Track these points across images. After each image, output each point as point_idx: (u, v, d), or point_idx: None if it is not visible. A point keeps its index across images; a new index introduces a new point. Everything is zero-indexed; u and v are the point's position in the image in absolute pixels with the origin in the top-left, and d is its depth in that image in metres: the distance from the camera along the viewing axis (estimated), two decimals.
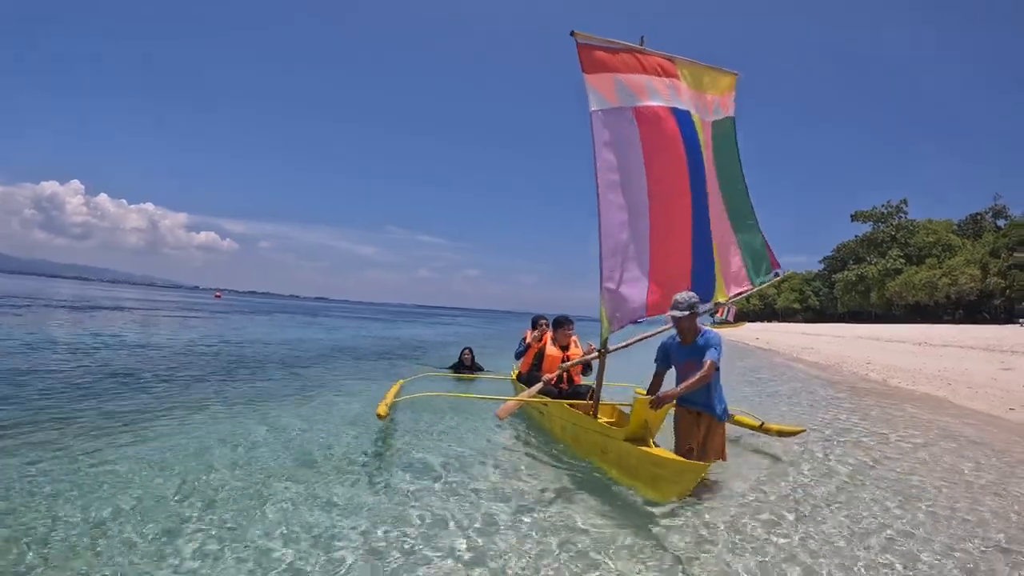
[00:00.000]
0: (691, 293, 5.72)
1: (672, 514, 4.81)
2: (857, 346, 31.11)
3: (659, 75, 6.42)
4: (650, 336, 6.77)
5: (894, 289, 79.55)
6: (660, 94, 6.33)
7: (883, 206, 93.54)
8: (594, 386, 6.85)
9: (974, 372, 16.36)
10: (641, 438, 5.36)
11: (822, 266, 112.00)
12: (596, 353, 6.50)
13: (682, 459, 4.88)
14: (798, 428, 6.81)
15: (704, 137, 6.99)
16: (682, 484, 4.68)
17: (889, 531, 4.58)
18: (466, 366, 13.80)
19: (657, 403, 5.30)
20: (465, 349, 14.21)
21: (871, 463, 6.75)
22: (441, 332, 43.01)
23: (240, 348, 18.58)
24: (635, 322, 6.40)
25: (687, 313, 5.59)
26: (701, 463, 4.67)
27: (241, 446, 6.29)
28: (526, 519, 4.59)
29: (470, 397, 9.25)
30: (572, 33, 5.78)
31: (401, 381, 10.95)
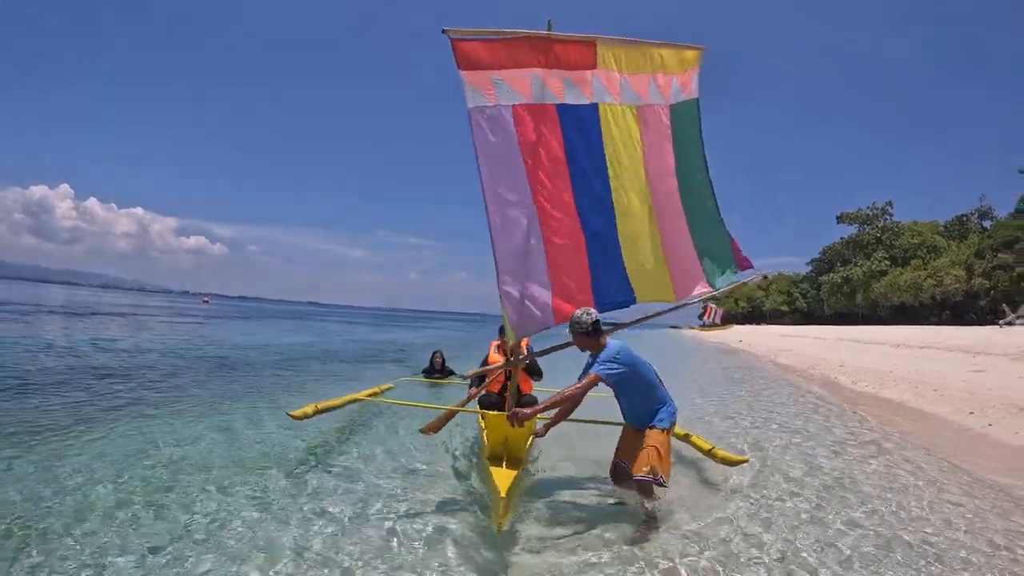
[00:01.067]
0: (589, 311, 5.35)
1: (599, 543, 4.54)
2: (836, 349, 31.20)
3: (558, 67, 6.01)
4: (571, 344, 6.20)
5: (879, 291, 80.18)
6: (549, 89, 5.96)
7: (868, 208, 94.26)
8: (546, 399, 6.66)
9: (945, 374, 16.40)
10: (499, 457, 5.32)
11: (810, 268, 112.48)
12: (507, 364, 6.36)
13: (500, 487, 4.51)
14: (741, 459, 6.14)
15: (645, 126, 6.59)
16: (496, 514, 4.37)
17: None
18: (436, 370, 13.69)
19: (514, 419, 4.89)
20: (436, 352, 14.00)
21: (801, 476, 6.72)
22: (427, 335, 43.27)
23: (214, 352, 18.73)
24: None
25: (586, 331, 5.27)
26: (502, 497, 4.35)
27: (174, 447, 6.71)
28: (404, 527, 4.63)
29: (413, 405, 8.43)
30: (444, 31, 5.55)
31: (380, 387, 10.83)
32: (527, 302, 5.86)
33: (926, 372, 17.26)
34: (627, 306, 6.60)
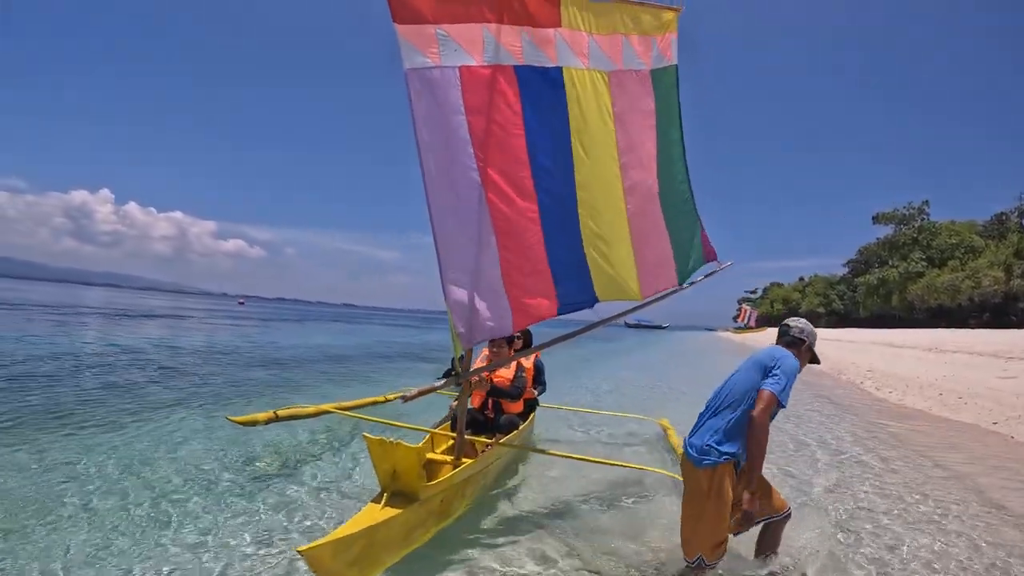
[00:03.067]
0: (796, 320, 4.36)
1: None
2: (867, 352, 30.88)
3: (516, 23, 4.97)
4: (572, 337, 5.76)
5: (916, 292, 78.60)
6: (505, 48, 4.90)
7: (905, 207, 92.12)
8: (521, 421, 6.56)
9: (973, 380, 16.26)
10: (397, 493, 4.11)
11: (847, 269, 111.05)
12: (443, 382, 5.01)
13: (322, 543, 3.25)
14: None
15: (619, 95, 5.68)
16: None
17: None
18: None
19: (744, 523, 3.84)
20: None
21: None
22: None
23: (242, 354, 19.10)
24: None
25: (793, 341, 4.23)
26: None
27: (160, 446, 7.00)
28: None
29: (382, 423, 6.83)
30: None
31: (387, 395, 9.30)
32: (477, 303, 4.86)
33: (953, 378, 17.12)
34: (589, 307, 5.66)
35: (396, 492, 4.08)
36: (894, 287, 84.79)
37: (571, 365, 22.59)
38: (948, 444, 9.24)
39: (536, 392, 7.86)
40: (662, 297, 6.37)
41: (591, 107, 5.45)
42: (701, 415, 3.99)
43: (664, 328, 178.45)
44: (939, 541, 5.09)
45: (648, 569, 4.29)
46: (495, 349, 7.00)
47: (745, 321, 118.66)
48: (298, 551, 3.13)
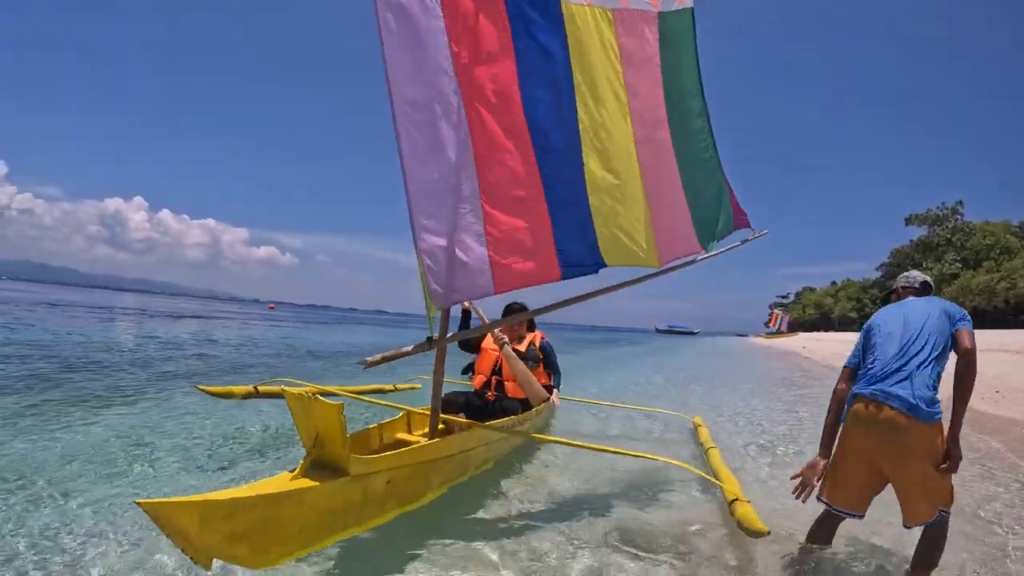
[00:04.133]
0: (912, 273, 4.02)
1: None
2: None
3: None
4: (500, 324, 5.39)
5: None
6: None
7: (938, 208, 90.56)
8: (530, 401, 6.07)
9: (1008, 375, 15.99)
10: (320, 463, 3.41)
11: (880, 273, 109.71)
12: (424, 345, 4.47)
13: (175, 500, 2.55)
14: (761, 529, 3.58)
15: (625, 36, 5.01)
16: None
17: None
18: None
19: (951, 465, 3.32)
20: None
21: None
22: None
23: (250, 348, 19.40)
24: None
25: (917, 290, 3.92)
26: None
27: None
28: None
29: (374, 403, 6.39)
30: None
31: (397, 385, 9.00)
32: (454, 258, 4.21)
33: (987, 375, 16.80)
34: (593, 272, 4.96)
35: (323, 462, 3.38)
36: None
37: (599, 364, 22.62)
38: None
39: (553, 381, 7.30)
40: (683, 265, 5.73)
41: (594, 46, 4.79)
42: (902, 367, 3.38)
43: (695, 333, 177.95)
44: None
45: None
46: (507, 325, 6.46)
47: (776, 326, 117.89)
48: (137, 503, 2.47)
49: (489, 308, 6.08)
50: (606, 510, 4.69)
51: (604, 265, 4.98)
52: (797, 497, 3.63)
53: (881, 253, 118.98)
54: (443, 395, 5.41)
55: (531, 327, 7.34)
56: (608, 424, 8.87)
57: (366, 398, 6.34)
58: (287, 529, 3.02)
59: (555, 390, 7.25)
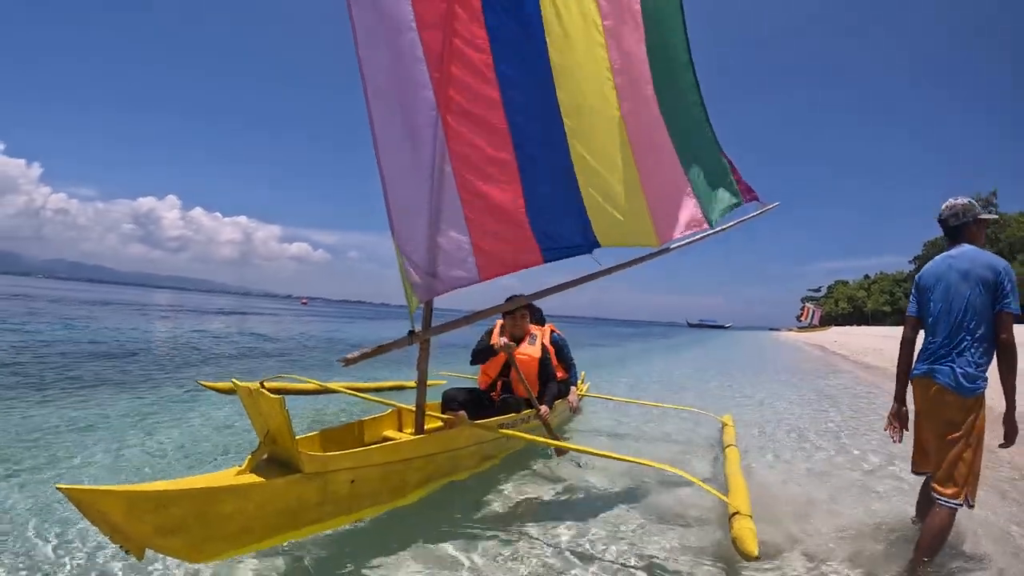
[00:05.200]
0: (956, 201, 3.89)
1: None
2: None
3: None
4: (485, 315, 4.91)
5: None
6: None
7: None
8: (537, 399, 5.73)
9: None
10: (274, 458, 3.32)
11: (913, 266, 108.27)
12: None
13: (99, 488, 2.48)
14: (751, 551, 3.30)
15: (606, 4, 4.74)
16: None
17: None
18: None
19: None
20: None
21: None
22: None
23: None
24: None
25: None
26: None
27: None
28: None
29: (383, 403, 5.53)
30: None
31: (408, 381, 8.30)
32: (434, 247, 4.15)
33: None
34: (587, 252, 4.85)
35: (277, 459, 3.29)
36: None
37: (636, 355, 22.92)
38: None
39: (569, 376, 7.12)
40: (688, 243, 5.54)
41: (573, 18, 4.56)
42: (950, 348, 3.56)
43: (726, 328, 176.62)
44: None
45: None
46: (511, 320, 6.11)
47: (808, 320, 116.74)
48: (58, 488, 2.43)
49: (487, 299, 5.59)
50: (606, 519, 4.37)
51: (598, 245, 4.88)
52: (892, 439, 3.87)
53: (915, 245, 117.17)
54: (444, 393, 5.66)
55: (540, 320, 7.18)
56: (628, 421, 8.48)
57: (363, 395, 5.93)
58: (228, 525, 2.91)
59: (573, 388, 7.06)
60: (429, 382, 7.91)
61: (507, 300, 5.57)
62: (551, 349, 6.73)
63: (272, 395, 2.99)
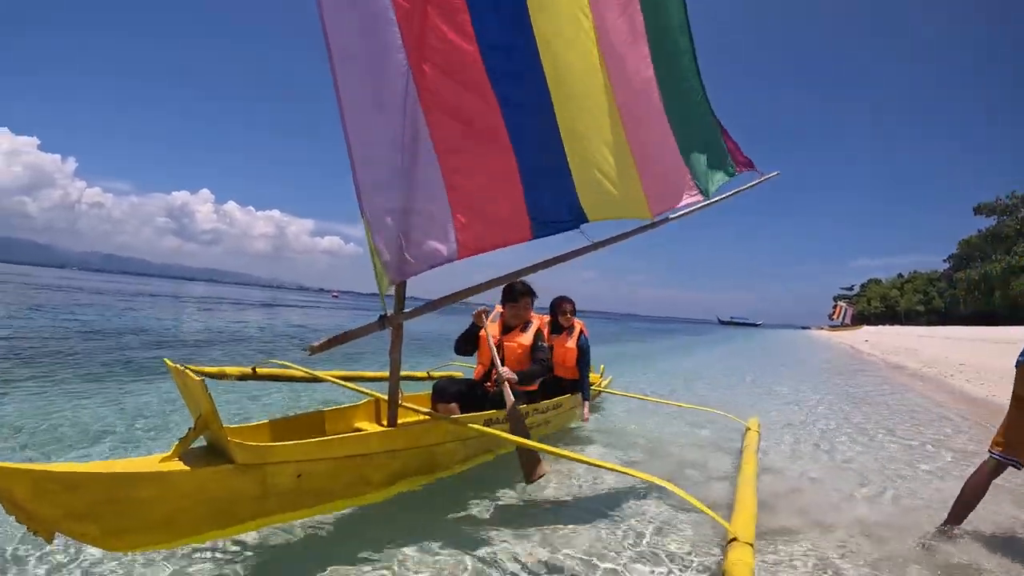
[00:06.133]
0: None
1: None
2: (961, 348, 30.04)
3: None
4: (463, 296, 4.34)
5: (1020, 288, 74.99)
6: None
7: (1007, 197, 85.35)
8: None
9: None
10: (211, 446, 3.18)
11: (948, 265, 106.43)
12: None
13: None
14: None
15: None
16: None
17: None
18: None
19: None
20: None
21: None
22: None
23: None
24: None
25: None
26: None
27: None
28: None
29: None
30: None
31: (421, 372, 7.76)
32: (408, 222, 3.78)
33: None
34: (573, 227, 4.54)
35: (214, 446, 3.14)
36: (996, 282, 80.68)
37: (651, 353, 22.97)
38: None
39: (580, 376, 6.70)
40: (683, 215, 5.31)
41: None
42: None
43: (757, 325, 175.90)
44: None
45: None
46: (511, 306, 5.63)
47: (840, 319, 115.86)
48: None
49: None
50: (588, 532, 3.97)
51: (585, 220, 4.57)
52: None
53: (949, 244, 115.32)
54: (436, 383, 5.32)
55: (572, 313, 6.76)
56: (644, 420, 8.02)
57: (346, 383, 5.31)
58: (147, 514, 2.75)
59: (586, 403, 6.63)
60: (438, 373, 7.65)
61: (506, 289, 5.49)
62: (575, 352, 6.57)
63: (195, 376, 2.83)
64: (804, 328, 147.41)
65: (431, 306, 4.22)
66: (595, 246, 4.63)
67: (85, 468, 2.52)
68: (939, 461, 6.53)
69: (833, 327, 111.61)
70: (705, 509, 3.36)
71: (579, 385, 6.65)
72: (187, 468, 2.83)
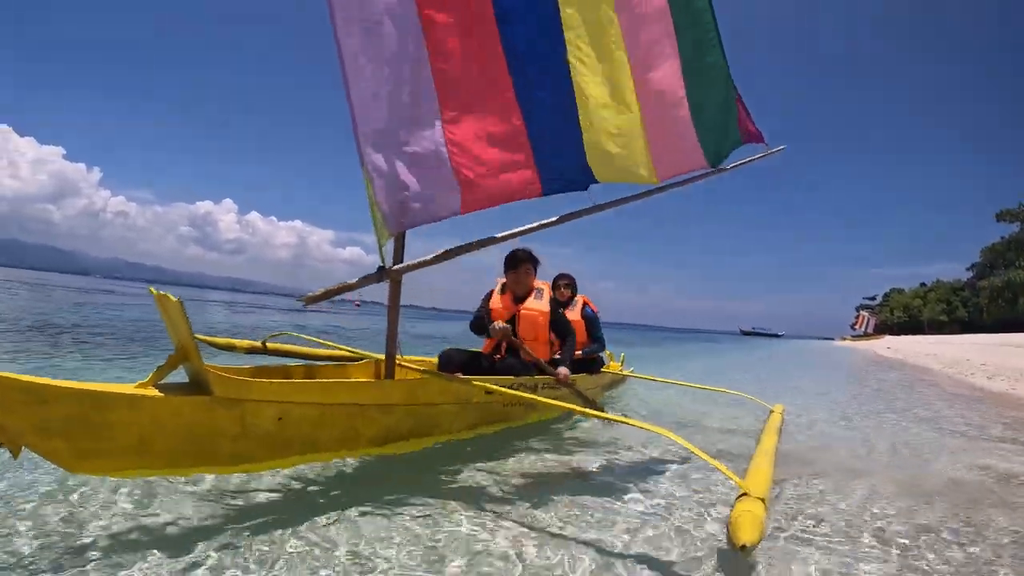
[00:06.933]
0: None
1: None
2: (984, 352, 29.95)
3: None
4: (464, 252, 4.14)
5: None
6: None
7: None
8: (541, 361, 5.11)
9: None
10: (195, 380, 3.07)
11: (971, 273, 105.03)
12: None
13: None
14: (740, 538, 2.50)
15: None
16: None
17: None
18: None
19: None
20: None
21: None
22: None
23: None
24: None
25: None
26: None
27: None
28: None
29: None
30: None
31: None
32: (407, 172, 3.68)
33: None
34: (583, 188, 4.46)
35: (196, 380, 3.03)
36: (1020, 289, 79.37)
37: (668, 358, 23.14)
38: None
39: (596, 350, 6.66)
40: (686, 181, 5.14)
41: None
42: None
43: (779, 336, 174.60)
44: None
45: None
46: (514, 276, 5.40)
47: (863, 328, 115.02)
48: None
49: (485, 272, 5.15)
50: (602, 489, 3.78)
51: (595, 181, 4.48)
52: None
53: (972, 253, 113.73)
54: (441, 353, 5.14)
55: (573, 290, 6.76)
56: (669, 407, 7.76)
57: (355, 352, 5.28)
58: (120, 438, 2.67)
59: (596, 374, 6.67)
60: (273, 345, 6.56)
61: (509, 256, 5.33)
62: (581, 324, 6.46)
63: (173, 297, 2.72)
64: (827, 339, 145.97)
65: (431, 260, 4.05)
66: (599, 207, 4.56)
67: (56, 382, 2.48)
68: (947, 437, 6.91)
69: (856, 337, 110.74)
70: (717, 464, 3.18)
71: (589, 363, 6.56)
72: (160, 394, 2.76)
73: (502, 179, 4.03)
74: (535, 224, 4.39)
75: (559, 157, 4.25)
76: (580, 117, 4.27)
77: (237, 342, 5.89)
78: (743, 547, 2.43)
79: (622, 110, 4.47)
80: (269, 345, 5.85)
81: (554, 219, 4.45)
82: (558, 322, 5.41)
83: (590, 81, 4.26)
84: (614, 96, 4.41)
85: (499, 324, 5.03)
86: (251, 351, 5.79)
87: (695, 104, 4.95)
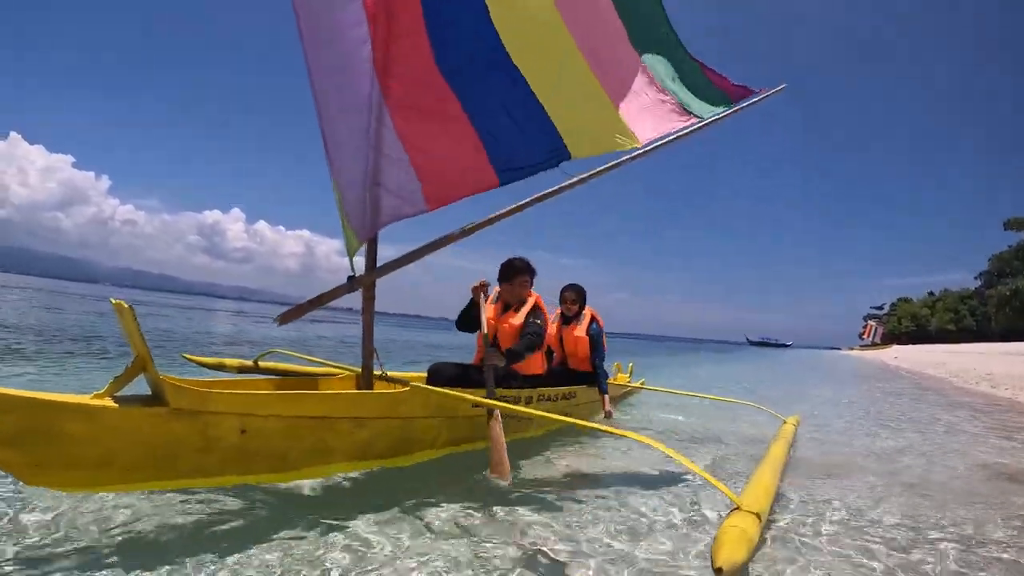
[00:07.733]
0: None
1: None
2: (990, 362, 29.92)
3: None
4: (437, 247, 4.20)
5: None
6: None
7: None
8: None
9: None
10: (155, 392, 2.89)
11: (980, 282, 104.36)
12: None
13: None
14: (717, 559, 2.28)
15: None
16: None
17: None
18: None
19: None
20: None
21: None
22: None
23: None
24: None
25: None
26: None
27: None
28: None
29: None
30: None
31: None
32: (380, 178, 3.88)
33: None
34: (552, 167, 4.47)
35: (154, 391, 2.88)
36: None
37: (675, 371, 22.99)
38: None
39: (596, 369, 6.23)
40: (677, 137, 5.09)
41: None
42: None
43: (788, 346, 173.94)
44: None
45: None
46: (507, 285, 5.26)
47: (871, 338, 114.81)
48: None
49: (485, 271, 5.33)
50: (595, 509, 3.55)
51: (567, 158, 4.51)
52: None
53: (980, 261, 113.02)
54: (431, 366, 4.91)
55: (583, 302, 6.40)
56: (681, 420, 7.41)
57: (351, 370, 4.84)
58: (76, 450, 2.58)
59: (605, 396, 6.16)
60: (265, 363, 6.30)
61: (504, 265, 5.21)
62: (585, 341, 6.19)
63: (126, 305, 2.59)
64: (834, 349, 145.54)
65: (403, 260, 4.09)
66: (580, 181, 4.59)
67: (8, 391, 2.39)
68: (952, 437, 7.36)
69: (864, 346, 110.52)
70: (709, 477, 3.09)
71: (595, 378, 6.18)
72: (116, 406, 2.66)
73: (459, 174, 4.19)
74: (502, 211, 4.43)
75: (516, 147, 4.32)
76: (543, 103, 4.33)
77: (227, 361, 5.72)
78: (719, 570, 2.21)
79: (582, 84, 4.58)
80: (261, 363, 5.64)
81: (524, 202, 4.51)
82: (525, 326, 5.07)
83: (542, 70, 4.32)
84: (565, 75, 4.49)
85: (489, 356, 4.60)
86: (242, 370, 5.52)
87: (653, 62, 5.10)
